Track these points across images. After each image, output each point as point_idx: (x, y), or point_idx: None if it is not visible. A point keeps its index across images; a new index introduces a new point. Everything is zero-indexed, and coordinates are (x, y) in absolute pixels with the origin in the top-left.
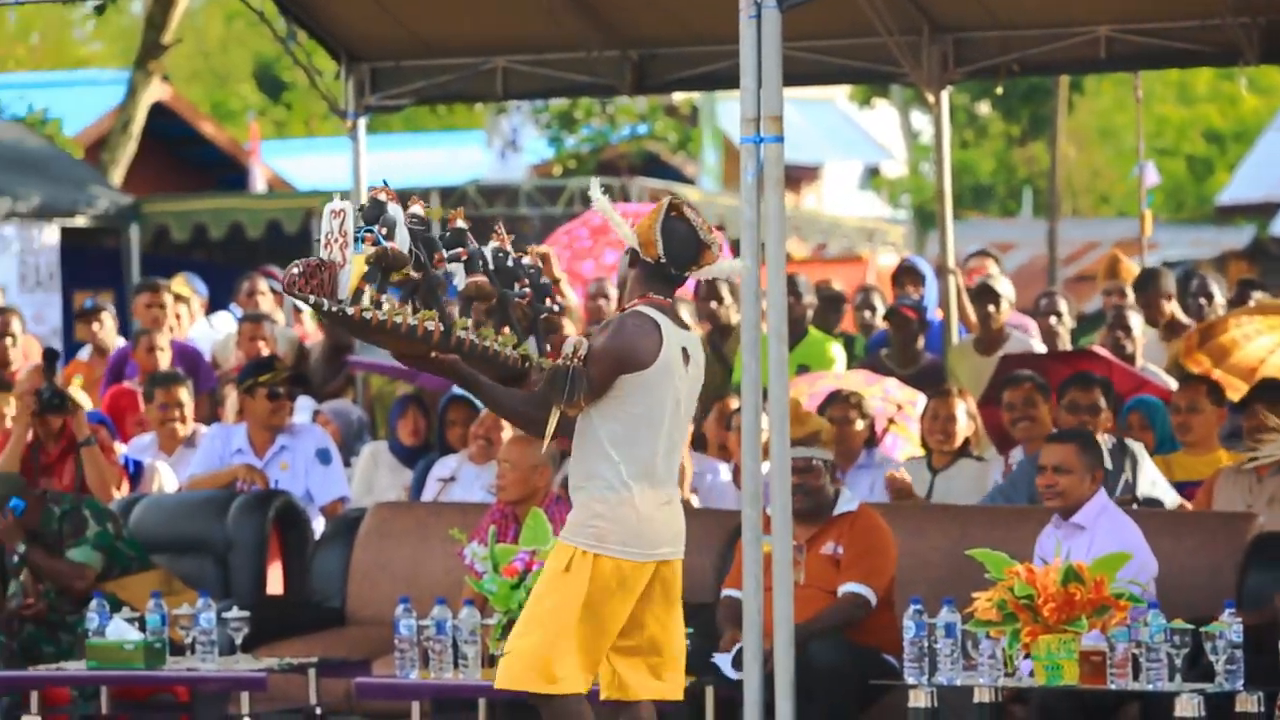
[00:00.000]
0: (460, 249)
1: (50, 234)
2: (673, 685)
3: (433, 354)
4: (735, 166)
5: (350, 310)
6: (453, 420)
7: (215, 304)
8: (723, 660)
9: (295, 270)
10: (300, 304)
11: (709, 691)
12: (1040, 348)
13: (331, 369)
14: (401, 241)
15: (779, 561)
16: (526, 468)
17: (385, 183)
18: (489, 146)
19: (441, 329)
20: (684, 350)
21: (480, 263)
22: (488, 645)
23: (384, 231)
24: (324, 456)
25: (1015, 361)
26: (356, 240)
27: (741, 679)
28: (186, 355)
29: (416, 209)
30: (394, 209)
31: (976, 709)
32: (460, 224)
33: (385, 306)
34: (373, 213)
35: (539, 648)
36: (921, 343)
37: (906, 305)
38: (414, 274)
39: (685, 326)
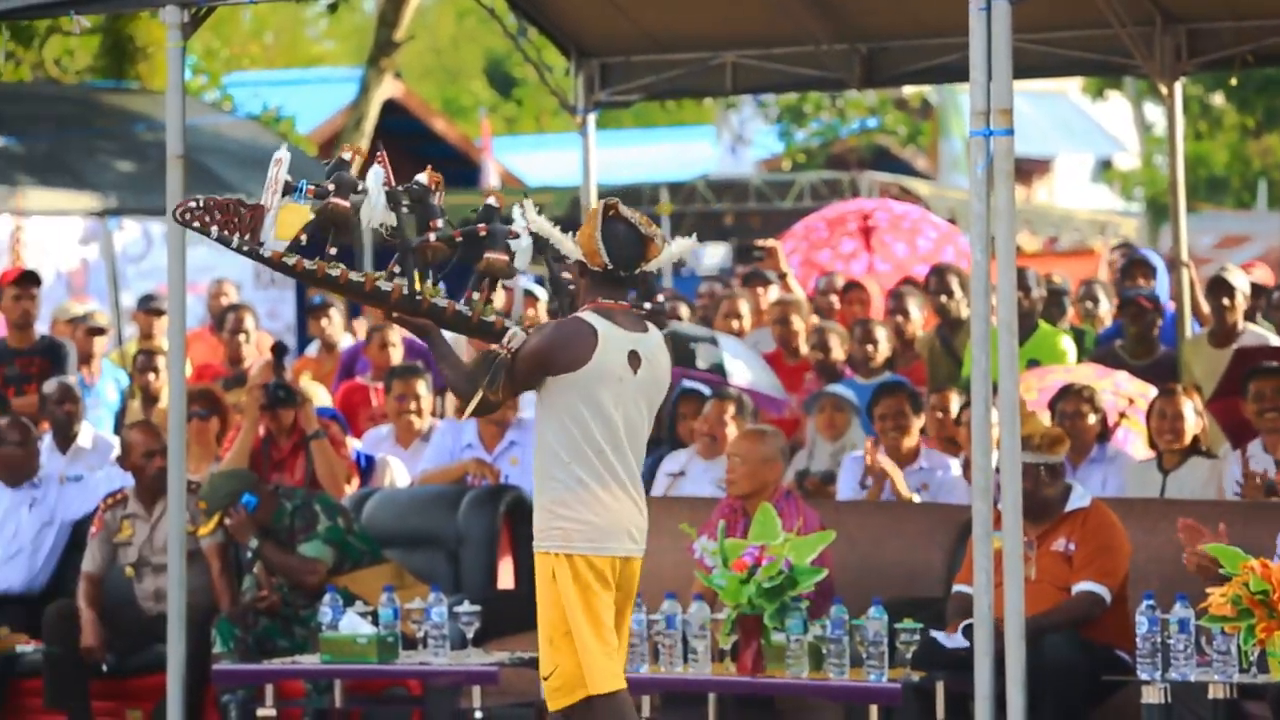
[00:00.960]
0: (481, 224)
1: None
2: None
3: (394, 314)
4: None
5: (267, 253)
6: (683, 414)
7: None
8: (942, 637)
9: (193, 203)
10: (198, 234)
11: (939, 686)
12: (1276, 341)
13: None
14: (369, 204)
15: (1010, 555)
16: (756, 461)
17: (381, 148)
18: (718, 141)
19: (404, 290)
20: (633, 353)
21: (503, 239)
22: (717, 640)
23: (331, 187)
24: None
25: (1251, 355)
26: (296, 190)
27: (957, 646)
28: (422, 351)
29: (421, 176)
30: (372, 173)
31: (1210, 705)
32: (491, 201)
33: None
34: (332, 169)
35: (568, 660)
36: (1156, 334)
37: (1142, 295)
38: (389, 236)
39: (642, 329)
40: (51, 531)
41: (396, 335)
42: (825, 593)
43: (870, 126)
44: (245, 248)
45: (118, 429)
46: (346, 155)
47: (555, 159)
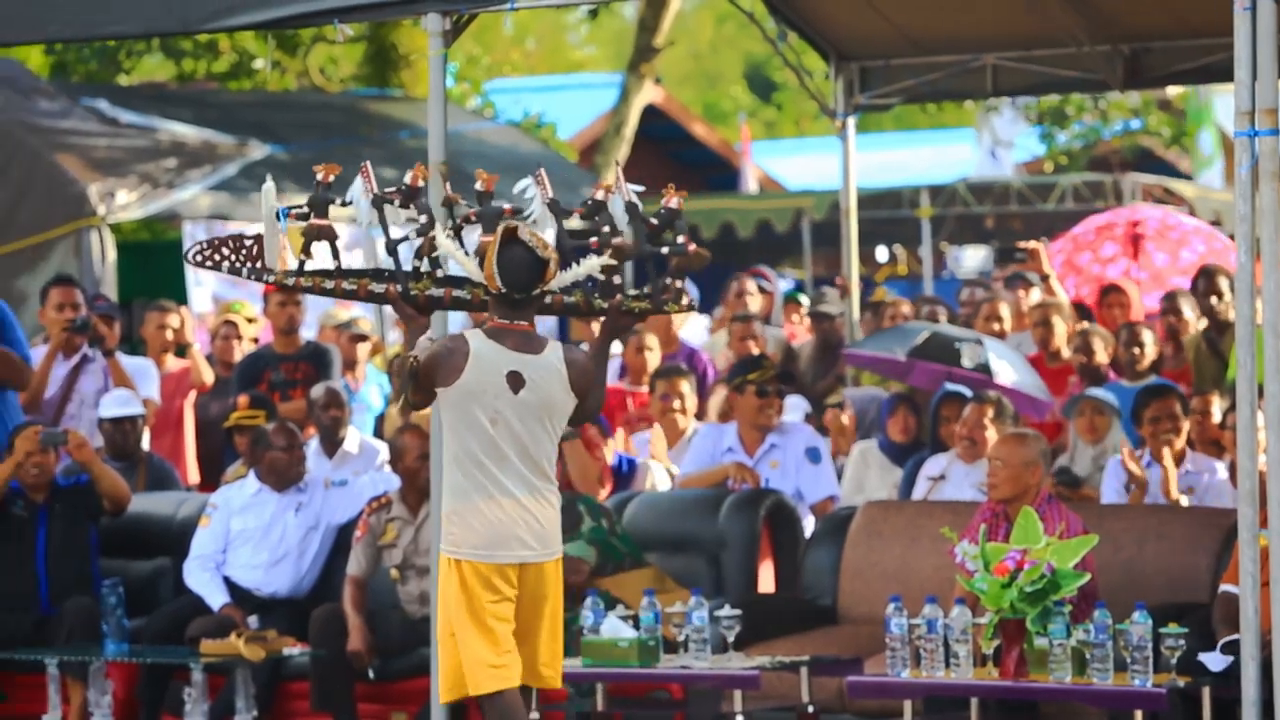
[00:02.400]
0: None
1: (548, 237)
2: (548, 675)
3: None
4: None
5: (271, 277)
6: (946, 417)
7: (704, 304)
8: (1208, 658)
9: (202, 244)
10: (213, 271)
11: (1205, 691)
12: None
13: (822, 367)
14: (359, 211)
15: (1277, 557)
16: (1018, 465)
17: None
18: (978, 144)
19: (396, 290)
20: (513, 373)
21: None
22: (979, 644)
23: (308, 210)
24: (814, 455)
25: None
26: (278, 216)
27: (1225, 670)
28: (689, 354)
29: (407, 176)
30: (353, 186)
31: None
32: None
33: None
34: (313, 198)
35: (451, 659)
36: None
37: None
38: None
39: (534, 350)
40: (317, 536)
41: (653, 339)
42: (1088, 597)
43: (1133, 128)
44: (255, 275)
45: (379, 434)
46: (320, 175)
47: (815, 163)
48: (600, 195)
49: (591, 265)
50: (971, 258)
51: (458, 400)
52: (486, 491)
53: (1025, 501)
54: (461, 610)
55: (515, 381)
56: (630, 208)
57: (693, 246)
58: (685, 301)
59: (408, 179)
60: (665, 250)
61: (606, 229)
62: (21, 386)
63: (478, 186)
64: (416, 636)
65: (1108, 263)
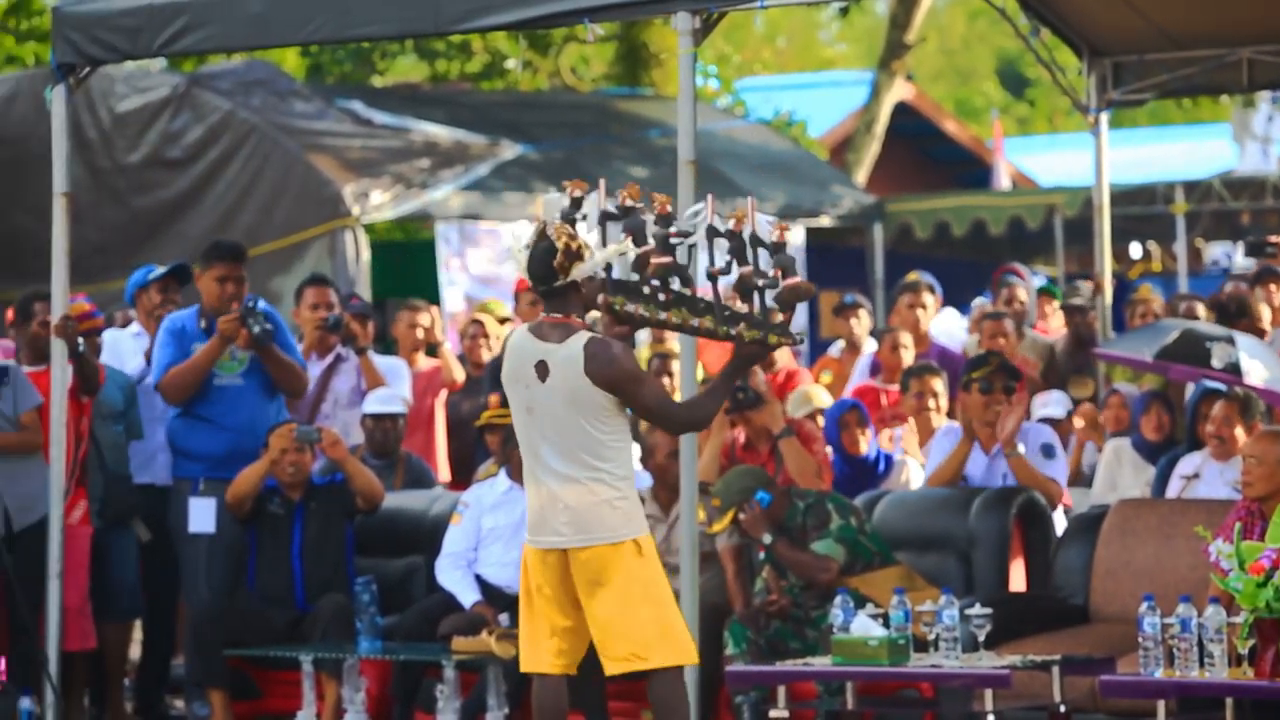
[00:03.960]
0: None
1: (796, 234)
2: (606, 661)
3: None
4: None
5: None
6: (1204, 414)
7: (953, 301)
8: None
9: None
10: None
11: None
12: None
13: (1075, 361)
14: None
15: None
16: (1273, 463)
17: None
18: (1235, 139)
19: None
20: (540, 363)
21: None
22: (1234, 644)
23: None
24: (1048, 451)
25: None
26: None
27: None
28: (940, 352)
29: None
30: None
31: None
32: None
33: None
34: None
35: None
36: None
37: None
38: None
39: (559, 340)
40: None
41: (908, 338)
42: None
43: None
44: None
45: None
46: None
47: (1067, 159)
48: (731, 225)
49: (607, 253)
50: (1217, 252)
51: (508, 391)
52: (533, 476)
53: None
54: (522, 589)
55: (542, 371)
56: (753, 239)
57: (794, 279)
58: (793, 336)
59: (619, 199)
60: (761, 284)
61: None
62: (299, 393)
63: (624, 201)
64: None
65: None
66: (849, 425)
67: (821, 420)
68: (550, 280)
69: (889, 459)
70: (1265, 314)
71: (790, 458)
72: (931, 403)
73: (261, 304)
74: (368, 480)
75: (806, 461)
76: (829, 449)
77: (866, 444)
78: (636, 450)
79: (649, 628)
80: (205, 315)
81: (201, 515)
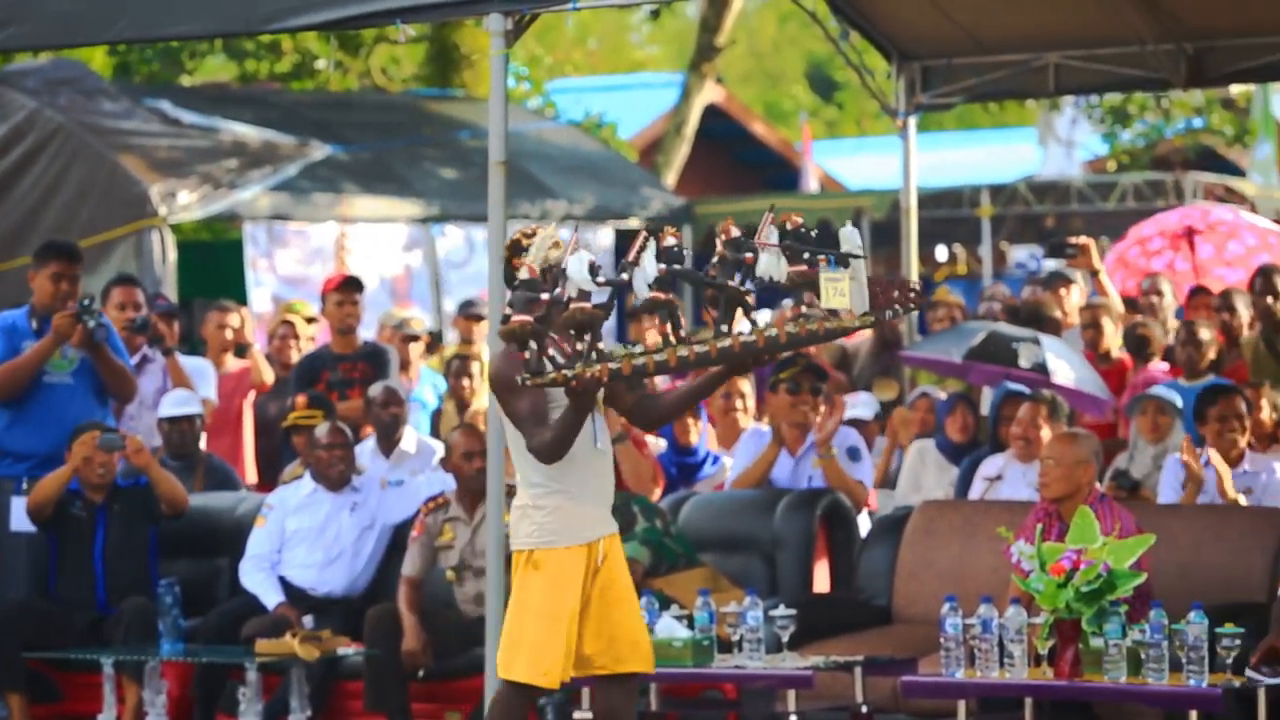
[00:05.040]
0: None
1: (604, 236)
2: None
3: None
4: None
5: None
6: (1006, 416)
7: (762, 302)
8: (1258, 674)
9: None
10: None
11: (1261, 692)
12: None
13: (880, 364)
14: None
15: None
16: (1070, 464)
17: None
18: (1041, 143)
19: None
20: None
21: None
22: (1034, 644)
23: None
24: (854, 453)
25: None
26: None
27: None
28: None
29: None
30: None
31: None
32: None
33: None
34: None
35: None
36: None
37: None
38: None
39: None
40: (372, 535)
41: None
42: (1144, 596)
43: (1196, 127)
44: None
45: (433, 434)
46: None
47: (876, 162)
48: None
49: (540, 241)
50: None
51: None
52: None
53: (1078, 500)
54: None
55: None
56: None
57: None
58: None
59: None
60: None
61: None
62: (128, 397)
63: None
64: (472, 637)
65: (1153, 255)
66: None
67: None
68: (509, 281)
69: (717, 458)
70: (1060, 316)
71: (625, 462)
72: (739, 403)
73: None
74: (172, 487)
75: (641, 466)
76: (660, 437)
77: (696, 435)
78: (439, 449)
79: (506, 639)
80: (37, 314)
81: (24, 514)
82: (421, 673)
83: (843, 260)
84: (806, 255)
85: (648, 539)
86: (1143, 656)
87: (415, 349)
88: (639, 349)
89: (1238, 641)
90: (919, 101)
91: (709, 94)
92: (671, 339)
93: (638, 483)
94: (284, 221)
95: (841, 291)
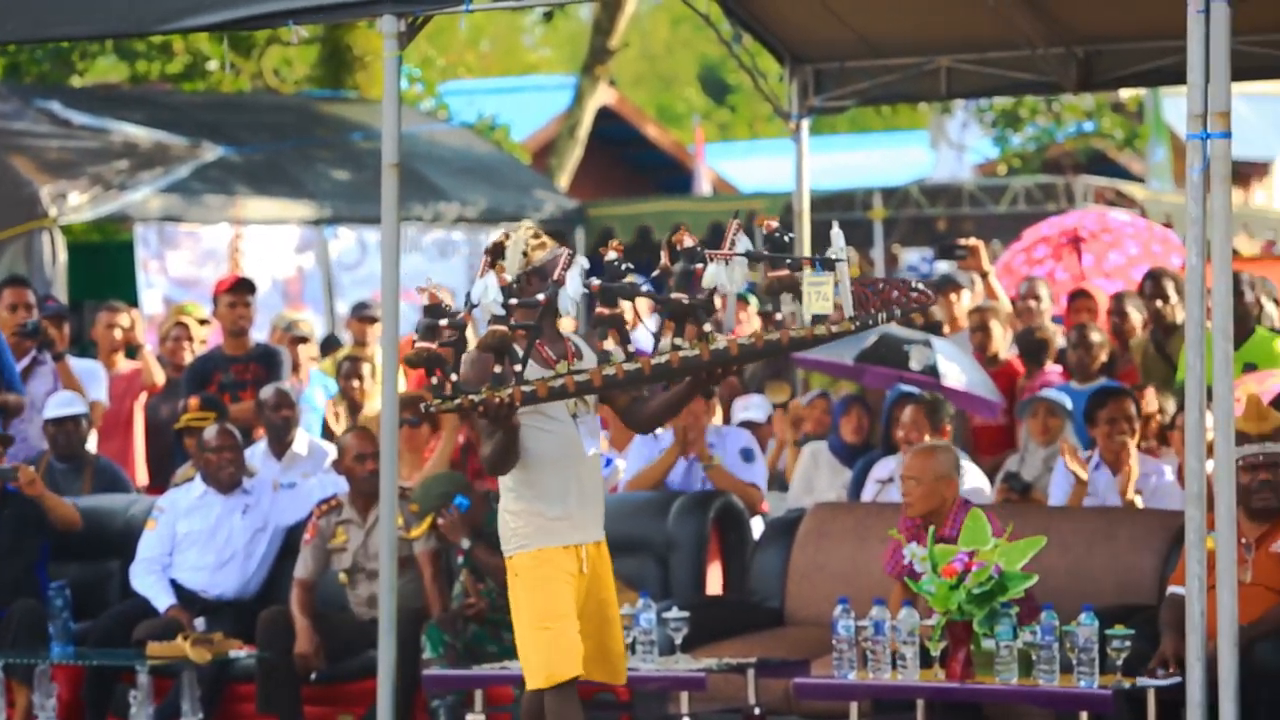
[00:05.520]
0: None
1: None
2: None
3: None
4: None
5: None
6: (898, 418)
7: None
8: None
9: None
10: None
11: (1150, 693)
12: None
13: (772, 366)
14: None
15: (1223, 561)
16: (931, 480)
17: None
18: (932, 146)
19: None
20: None
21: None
22: (926, 646)
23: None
24: (747, 455)
25: None
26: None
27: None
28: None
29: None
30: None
31: None
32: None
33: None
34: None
35: None
36: None
37: None
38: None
39: None
40: (264, 537)
41: (608, 343)
42: (1034, 598)
43: (1086, 130)
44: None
45: (326, 436)
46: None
47: (768, 165)
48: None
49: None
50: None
51: None
52: None
53: (943, 513)
54: None
55: None
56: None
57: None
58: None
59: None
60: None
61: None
62: (16, 412)
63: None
64: (365, 639)
65: (1036, 264)
66: None
67: None
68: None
69: (609, 459)
70: (948, 320)
71: None
72: None
73: None
74: (65, 512)
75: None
76: None
77: None
78: (332, 451)
79: (518, 650)
80: None
81: None
82: (314, 675)
83: (828, 264)
84: (789, 260)
85: None
86: (1034, 658)
87: (305, 351)
88: (564, 369)
89: (1128, 643)
90: (811, 104)
91: (602, 96)
92: (624, 355)
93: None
94: (175, 223)
95: (825, 295)
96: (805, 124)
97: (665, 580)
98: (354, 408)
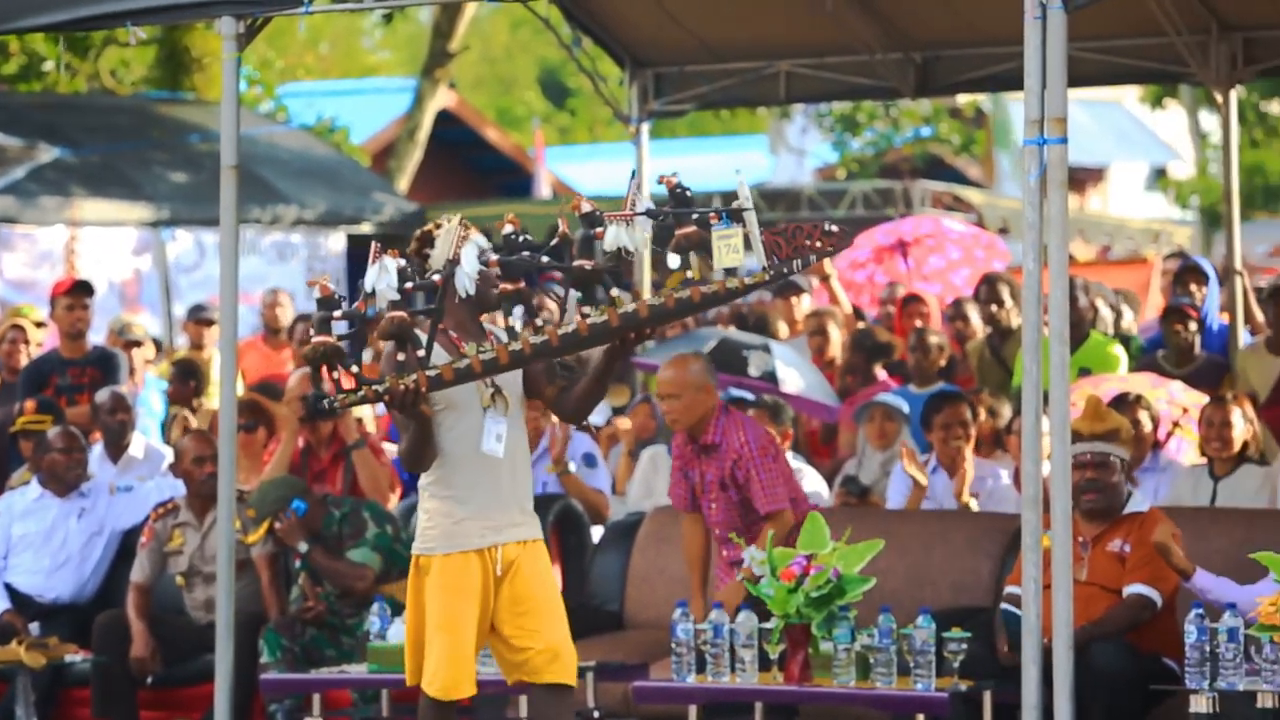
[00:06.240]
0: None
1: (336, 241)
2: None
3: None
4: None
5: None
6: None
7: None
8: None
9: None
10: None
11: (986, 695)
12: None
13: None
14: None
15: (1058, 564)
16: (690, 390)
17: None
18: (772, 151)
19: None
20: None
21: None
22: (765, 649)
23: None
24: (589, 460)
25: None
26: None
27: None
28: None
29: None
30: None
31: (1259, 715)
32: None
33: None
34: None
35: None
36: (1198, 343)
37: (1185, 305)
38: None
39: None
40: (101, 541)
41: None
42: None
43: (924, 135)
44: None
45: (165, 440)
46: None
47: (608, 168)
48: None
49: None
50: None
51: None
52: None
53: (705, 423)
54: None
55: None
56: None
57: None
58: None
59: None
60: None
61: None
62: None
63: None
64: (202, 643)
65: (858, 267)
66: None
67: None
68: (421, 271)
69: None
70: (783, 329)
71: (362, 468)
72: None
73: None
74: None
75: (379, 472)
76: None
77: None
78: (169, 455)
79: (409, 644)
80: None
81: None
82: (150, 679)
83: (735, 215)
84: (695, 215)
85: (379, 545)
86: (871, 661)
87: (139, 354)
88: (471, 350)
89: (964, 646)
90: (651, 108)
91: (442, 99)
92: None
93: (375, 489)
94: (11, 225)
95: (735, 248)
96: (645, 128)
97: None
98: (190, 411)
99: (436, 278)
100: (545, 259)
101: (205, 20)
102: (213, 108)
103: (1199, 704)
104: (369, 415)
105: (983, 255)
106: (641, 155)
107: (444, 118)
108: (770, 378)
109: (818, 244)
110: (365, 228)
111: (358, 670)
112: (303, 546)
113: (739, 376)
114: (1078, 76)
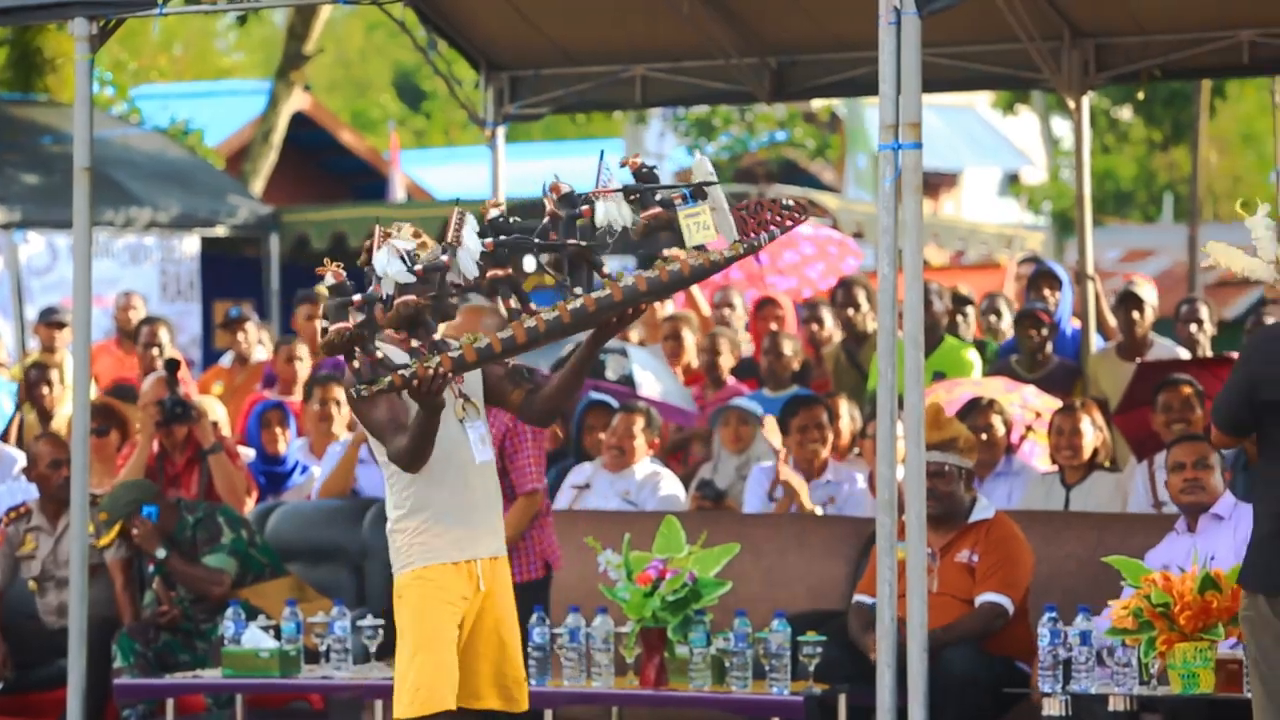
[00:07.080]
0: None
1: (190, 244)
2: None
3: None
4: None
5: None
6: (591, 425)
7: None
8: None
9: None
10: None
11: (841, 699)
12: (1184, 354)
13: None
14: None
15: (913, 567)
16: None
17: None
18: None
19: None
20: None
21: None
22: (621, 653)
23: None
24: None
25: (1155, 367)
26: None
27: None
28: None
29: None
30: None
31: (1111, 718)
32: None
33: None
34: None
35: None
36: (1050, 348)
37: (1037, 309)
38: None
39: None
40: None
41: (304, 349)
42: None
43: (779, 140)
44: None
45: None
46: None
47: (464, 172)
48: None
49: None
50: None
51: None
52: None
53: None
54: None
55: None
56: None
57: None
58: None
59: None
60: None
61: None
62: None
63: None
64: (54, 648)
65: None
66: (270, 424)
67: None
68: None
69: (306, 467)
70: (640, 332)
71: (219, 473)
72: (334, 411)
73: None
74: None
75: (235, 476)
76: (250, 446)
77: (285, 444)
78: (20, 458)
79: (395, 677)
80: None
81: None
82: (1, 685)
83: (698, 192)
84: (659, 196)
85: (234, 549)
86: (727, 665)
87: None
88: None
89: (819, 649)
90: (507, 112)
91: (296, 102)
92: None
93: (231, 494)
94: None
95: (705, 225)
96: (501, 131)
97: (360, 588)
98: (45, 415)
99: (444, 258)
100: (538, 240)
101: (58, 21)
102: (65, 109)
103: (1052, 707)
104: (224, 418)
105: (836, 251)
106: (497, 159)
107: (299, 120)
108: (628, 381)
109: (779, 218)
110: (219, 231)
111: (212, 675)
112: (160, 552)
113: (596, 380)
114: (932, 82)
